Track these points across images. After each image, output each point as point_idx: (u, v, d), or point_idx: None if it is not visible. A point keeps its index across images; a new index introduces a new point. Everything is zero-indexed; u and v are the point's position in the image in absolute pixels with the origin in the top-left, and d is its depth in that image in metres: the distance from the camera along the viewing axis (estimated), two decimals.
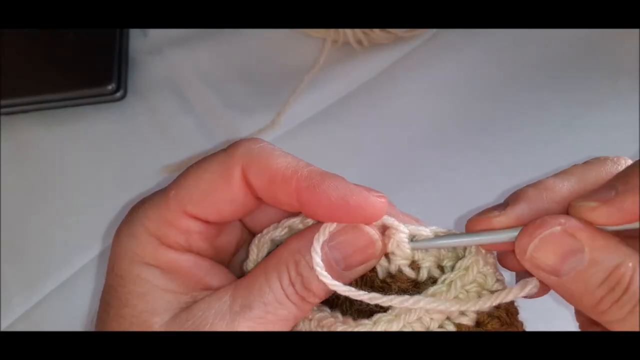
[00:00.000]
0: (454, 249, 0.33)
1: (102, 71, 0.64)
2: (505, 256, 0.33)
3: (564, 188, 0.31)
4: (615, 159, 0.32)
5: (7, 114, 0.65)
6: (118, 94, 0.64)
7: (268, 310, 0.30)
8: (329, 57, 0.64)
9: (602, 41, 0.62)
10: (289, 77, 0.64)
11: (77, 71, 0.65)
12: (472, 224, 0.31)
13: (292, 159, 0.31)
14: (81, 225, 0.59)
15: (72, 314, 0.54)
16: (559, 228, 0.28)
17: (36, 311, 0.55)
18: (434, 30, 0.65)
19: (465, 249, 0.33)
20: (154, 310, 0.30)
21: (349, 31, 0.63)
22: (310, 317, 0.33)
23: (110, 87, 0.63)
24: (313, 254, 0.30)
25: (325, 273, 0.30)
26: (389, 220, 0.32)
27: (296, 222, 0.34)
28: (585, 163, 0.32)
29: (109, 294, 0.32)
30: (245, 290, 0.30)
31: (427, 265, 0.33)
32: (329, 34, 0.64)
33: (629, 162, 0.32)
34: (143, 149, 0.63)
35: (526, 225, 0.29)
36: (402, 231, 0.32)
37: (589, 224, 0.29)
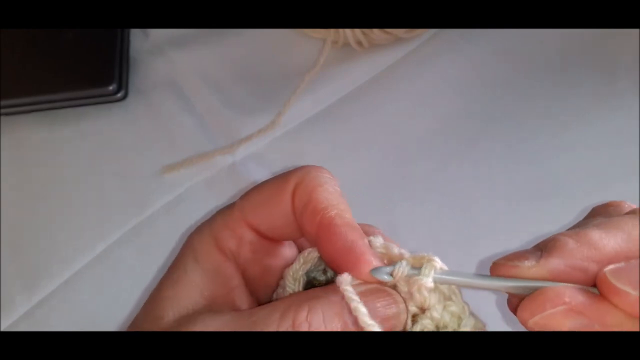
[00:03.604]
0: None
1: (102, 71, 0.64)
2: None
3: (609, 246, 0.27)
4: None
5: (7, 114, 0.65)
6: (119, 95, 0.64)
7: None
8: (329, 57, 0.64)
9: (602, 41, 0.62)
10: (289, 78, 0.64)
11: (77, 71, 0.65)
12: (500, 269, 0.29)
13: (332, 197, 0.31)
14: (81, 225, 0.59)
15: (73, 314, 0.54)
16: (562, 308, 0.26)
17: (37, 311, 0.55)
18: (434, 31, 0.65)
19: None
20: (175, 295, 0.32)
21: (348, 32, 0.63)
22: None
23: (111, 88, 0.63)
24: (355, 304, 0.28)
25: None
26: (422, 258, 0.30)
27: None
28: (635, 214, 0.29)
29: (159, 280, 0.34)
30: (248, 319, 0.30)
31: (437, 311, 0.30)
32: (329, 34, 0.64)
33: None
34: (143, 149, 0.63)
35: (527, 299, 0.27)
36: (430, 274, 0.29)
37: (601, 298, 0.26)
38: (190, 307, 0.31)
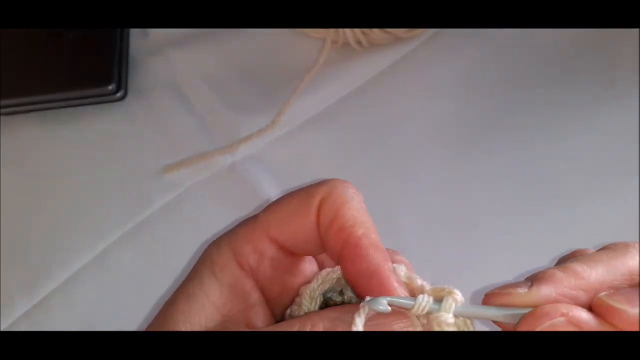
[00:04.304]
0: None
1: (102, 71, 0.64)
2: None
3: (593, 277, 0.29)
4: (636, 246, 0.31)
5: (7, 114, 0.65)
6: (119, 95, 0.64)
7: None
8: (329, 57, 0.64)
9: (602, 41, 0.62)
10: (289, 78, 0.64)
11: (77, 71, 0.65)
12: (493, 298, 0.30)
13: (360, 215, 0.31)
14: (81, 225, 0.59)
15: (73, 314, 0.54)
16: (562, 319, 0.27)
17: (37, 311, 0.55)
18: (434, 31, 0.65)
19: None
20: (189, 310, 0.31)
21: (348, 32, 0.63)
22: None
23: (111, 88, 0.63)
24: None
25: None
26: (445, 293, 0.30)
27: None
28: (609, 250, 0.30)
29: (174, 293, 0.33)
30: None
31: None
32: (329, 34, 0.64)
33: None
34: (143, 149, 0.63)
35: (527, 315, 0.28)
36: (451, 310, 0.29)
37: (599, 316, 0.28)
38: (204, 323, 0.31)
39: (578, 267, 0.29)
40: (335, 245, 0.31)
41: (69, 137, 0.64)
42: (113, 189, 0.61)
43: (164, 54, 0.68)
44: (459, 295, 0.30)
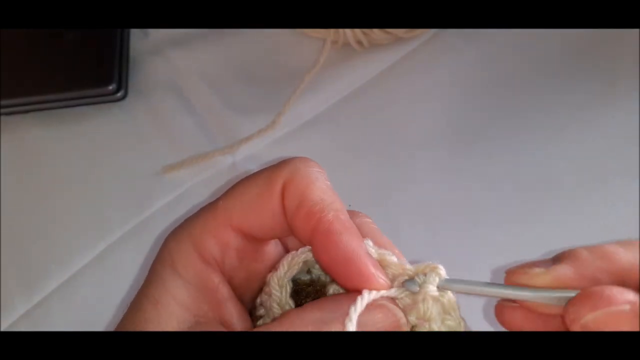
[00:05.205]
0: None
1: (102, 71, 0.64)
2: (508, 310, 0.30)
3: (625, 259, 0.26)
4: None
5: (7, 114, 0.65)
6: (119, 94, 0.64)
7: None
8: (329, 57, 0.64)
9: (602, 41, 0.62)
10: (289, 78, 0.64)
11: (77, 71, 0.65)
12: (512, 276, 0.28)
13: (327, 196, 0.30)
14: (81, 225, 0.59)
15: (73, 314, 0.54)
16: (627, 307, 0.24)
17: (37, 311, 0.55)
18: (434, 31, 0.65)
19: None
20: (157, 317, 0.30)
21: (348, 31, 0.63)
22: None
23: (110, 88, 0.63)
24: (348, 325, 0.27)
25: None
26: (428, 267, 0.30)
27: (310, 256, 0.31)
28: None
29: (135, 297, 0.31)
30: None
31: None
32: (329, 34, 0.64)
33: None
34: (143, 149, 0.63)
35: (584, 294, 0.25)
36: (435, 282, 0.29)
37: None
38: (176, 326, 0.29)
39: (611, 247, 0.27)
40: (304, 231, 0.29)
41: (69, 137, 0.64)
42: (113, 189, 0.61)
43: (164, 54, 0.68)
44: (442, 270, 0.30)
